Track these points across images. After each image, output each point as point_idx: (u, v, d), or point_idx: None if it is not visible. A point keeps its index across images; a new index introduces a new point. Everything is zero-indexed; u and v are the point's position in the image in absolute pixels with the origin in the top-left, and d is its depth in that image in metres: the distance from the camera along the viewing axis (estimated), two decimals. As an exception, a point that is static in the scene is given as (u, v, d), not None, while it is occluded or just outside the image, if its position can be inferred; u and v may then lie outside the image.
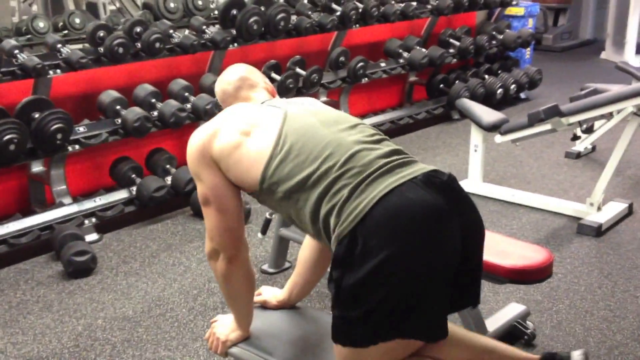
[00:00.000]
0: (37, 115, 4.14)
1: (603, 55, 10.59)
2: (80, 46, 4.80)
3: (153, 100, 4.77)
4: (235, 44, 5.24)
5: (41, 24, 5.33)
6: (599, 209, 4.56)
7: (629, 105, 4.38)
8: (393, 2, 6.50)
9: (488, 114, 4.87)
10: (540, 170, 5.69)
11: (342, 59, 6.11)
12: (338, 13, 5.93)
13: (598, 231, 4.37)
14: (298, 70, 5.64)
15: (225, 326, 2.44)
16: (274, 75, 5.35)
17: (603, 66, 9.86)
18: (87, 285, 3.86)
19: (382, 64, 6.55)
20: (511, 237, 3.39)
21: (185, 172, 4.62)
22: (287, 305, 2.61)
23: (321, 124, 2.15)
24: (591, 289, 3.73)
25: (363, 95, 6.76)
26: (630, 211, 4.72)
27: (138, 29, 4.72)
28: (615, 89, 4.76)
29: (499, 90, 7.17)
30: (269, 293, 2.64)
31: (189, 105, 4.88)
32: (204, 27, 5.15)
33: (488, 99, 6.98)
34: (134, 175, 4.67)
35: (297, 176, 2.05)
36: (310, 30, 5.70)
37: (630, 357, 3.12)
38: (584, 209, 4.61)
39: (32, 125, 4.12)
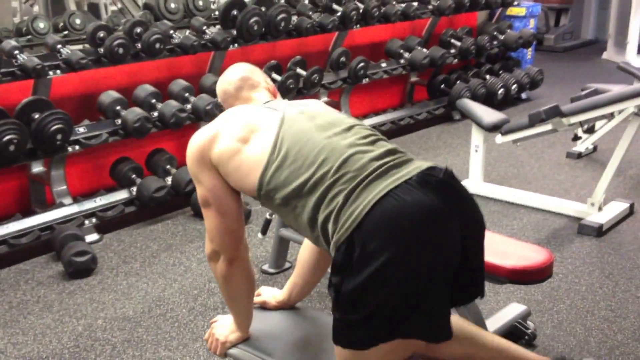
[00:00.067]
0: (37, 116, 4.14)
1: (605, 55, 10.58)
2: (80, 47, 4.80)
3: (153, 100, 4.76)
4: (236, 45, 5.24)
5: (41, 25, 5.33)
6: (600, 209, 4.56)
7: (630, 106, 4.37)
8: (394, 2, 6.50)
9: (489, 114, 4.86)
10: (541, 170, 5.68)
11: (343, 59, 6.11)
12: (339, 13, 5.93)
13: (599, 231, 4.36)
14: (299, 70, 5.64)
15: (224, 327, 2.44)
16: (274, 75, 5.35)
17: (605, 66, 9.85)
18: (88, 286, 3.86)
19: (383, 65, 6.55)
20: (512, 237, 3.38)
21: (186, 172, 4.62)
22: (286, 306, 2.61)
23: (317, 128, 2.14)
24: (592, 289, 3.73)
25: (364, 95, 6.75)
26: (631, 211, 4.72)
27: (138, 30, 4.71)
28: (616, 89, 4.75)
29: (500, 91, 7.17)
30: (268, 294, 2.64)
31: (189, 106, 4.88)
32: (205, 27, 5.15)
33: (489, 100, 6.97)
34: (134, 176, 4.66)
35: (293, 183, 2.04)
36: (311, 30, 5.69)
37: (632, 357, 3.12)
38: (585, 209, 4.61)
39: (32, 126, 4.12)
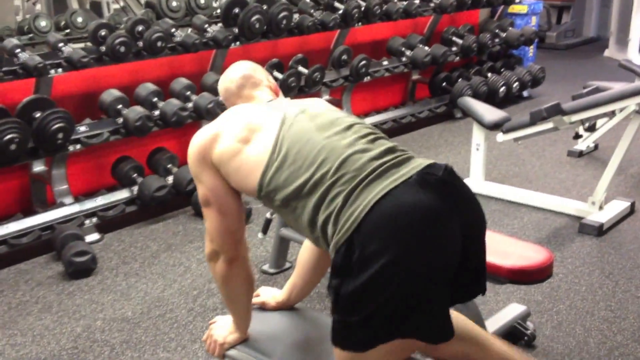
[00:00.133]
0: (38, 115, 4.14)
1: (606, 53, 10.56)
2: (82, 45, 4.80)
3: (155, 99, 4.76)
4: (238, 43, 5.24)
5: (43, 23, 5.34)
6: (600, 207, 4.55)
7: (631, 104, 4.37)
8: (395, 0, 6.49)
9: (490, 113, 4.86)
10: (542, 168, 5.67)
11: (344, 57, 6.10)
12: (340, 11, 5.92)
13: (599, 230, 4.36)
14: (300, 68, 5.63)
15: (223, 328, 2.43)
16: (276, 73, 5.35)
17: (606, 64, 9.82)
18: (87, 286, 3.86)
19: (385, 62, 6.54)
20: (512, 236, 3.38)
21: (187, 171, 4.61)
22: (285, 307, 2.60)
23: (317, 128, 2.13)
24: (592, 289, 3.72)
25: (366, 93, 6.74)
26: (632, 210, 4.71)
27: (140, 28, 4.71)
28: (617, 87, 4.74)
29: (502, 89, 7.15)
30: (267, 294, 2.63)
31: (190, 104, 4.87)
32: (206, 25, 5.14)
33: (491, 97, 6.95)
34: (135, 175, 4.66)
35: (293, 184, 2.04)
36: (312, 28, 5.69)
37: (631, 358, 3.11)
38: (585, 208, 4.60)
39: (33, 125, 4.11)
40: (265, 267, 3.97)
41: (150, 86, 4.80)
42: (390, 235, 1.89)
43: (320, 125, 2.14)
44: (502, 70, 7.58)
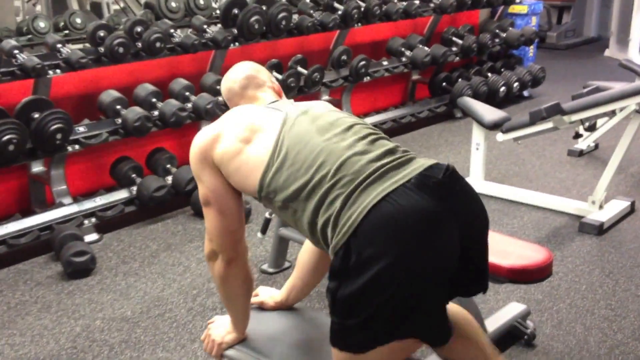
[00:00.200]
0: (36, 116, 4.13)
1: (607, 52, 10.55)
2: (81, 46, 4.80)
3: (154, 99, 4.76)
4: (237, 44, 5.23)
5: (42, 24, 5.33)
6: (600, 207, 4.55)
7: (631, 103, 4.37)
8: (395, 0, 6.48)
9: (489, 113, 4.85)
10: (542, 168, 5.67)
11: (344, 57, 6.10)
12: (340, 12, 5.91)
13: (600, 229, 4.35)
14: (300, 69, 5.63)
15: (221, 327, 2.42)
16: (275, 74, 5.34)
17: (607, 64, 9.82)
18: (86, 286, 3.86)
19: (385, 63, 6.53)
20: (512, 236, 3.37)
21: (186, 171, 4.62)
22: (284, 307, 2.59)
23: (317, 129, 2.11)
24: (592, 288, 3.71)
25: (365, 94, 6.74)
26: (632, 209, 4.71)
27: (139, 29, 4.71)
28: (618, 86, 4.74)
29: (502, 89, 7.14)
30: (266, 294, 2.62)
31: (189, 105, 4.87)
32: (205, 26, 5.14)
33: (491, 97, 6.95)
34: (134, 175, 4.66)
35: (292, 186, 2.03)
36: (312, 29, 5.68)
37: (631, 357, 3.11)
38: (585, 207, 4.60)
39: (31, 126, 4.11)
40: (265, 266, 3.96)
41: (149, 87, 4.80)
42: (386, 239, 1.88)
43: (321, 127, 2.12)
44: (502, 70, 7.58)
